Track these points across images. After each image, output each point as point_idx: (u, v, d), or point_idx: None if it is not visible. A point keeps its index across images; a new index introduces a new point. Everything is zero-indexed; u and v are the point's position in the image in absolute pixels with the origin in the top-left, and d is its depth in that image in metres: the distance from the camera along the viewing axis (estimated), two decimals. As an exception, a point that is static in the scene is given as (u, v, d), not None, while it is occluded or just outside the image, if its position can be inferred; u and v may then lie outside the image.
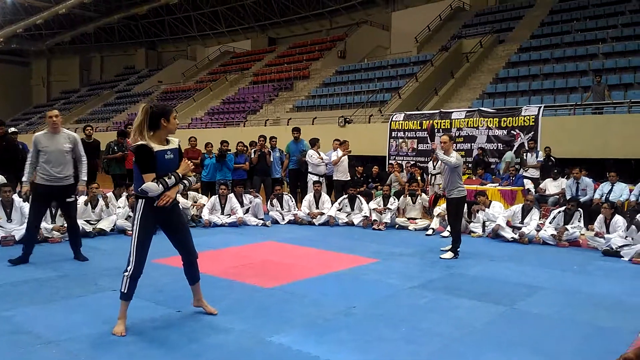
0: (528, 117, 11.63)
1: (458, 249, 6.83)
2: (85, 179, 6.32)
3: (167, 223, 4.04)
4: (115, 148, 10.02)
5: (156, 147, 3.74)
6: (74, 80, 44.13)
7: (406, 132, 13.69)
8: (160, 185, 3.71)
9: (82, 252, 6.33)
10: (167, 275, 5.52)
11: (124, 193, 8.61)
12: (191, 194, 9.76)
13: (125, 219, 8.33)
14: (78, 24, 38.68)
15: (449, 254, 6.78)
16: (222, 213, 9.33)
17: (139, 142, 3.70)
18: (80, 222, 7.79)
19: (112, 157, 9.99)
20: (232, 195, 9.49)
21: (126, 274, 3.80)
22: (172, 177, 3.76)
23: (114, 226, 8.22)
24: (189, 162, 4.01)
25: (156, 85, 36.23)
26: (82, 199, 8.17)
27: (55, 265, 6.02)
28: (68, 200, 6.14)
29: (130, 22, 40.24)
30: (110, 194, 8.76)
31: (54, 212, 7.65)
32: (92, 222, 8.10)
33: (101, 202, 8.35)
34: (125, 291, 3.79)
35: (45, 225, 7.45)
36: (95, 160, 9.86)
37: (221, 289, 5.03)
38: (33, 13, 34.65)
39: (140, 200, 3.79)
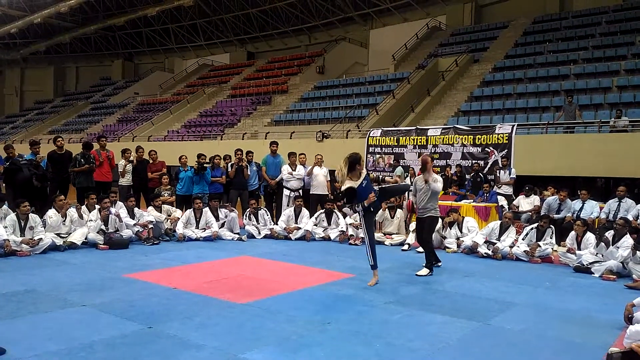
0: (502, 135, 11.83)
1: (433, 265, 6.89)
2: None
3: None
4: (82, 160, 9.68)
5: (355, 184, 5.85)
6: (48, 91, 43.40)
7: (383, 148, 13.80)
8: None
9: None
10: (139, 291, 5.41)
11: (97, 206, 8.44)
12: (165, 207, 9.64)
13: (97, 232, 8.16)
14: (53, 33, 38.19)
15: (425, 271, 6.81)
16: (197, 227, 9.23)
17: (347, 185, 5.88)
18: (50, 236, 7.65)
19: (78, 170, 9.69)
20: (207, 209, 9.40)
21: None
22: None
23: (85, 239, 8.04)
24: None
25: (132, 97, 35.88)
26: (52, 213, 8.01)
27: (23, 279, 5.86)
28: None
29: (107, 32, 39.88)
30: (83, 207, 8.60)
31: (23, 225, 7.47)
32: (62, 235, 7.91)
33: (73, 213, 8.19)
34: None
35: (15, 238, 7.27)
36: (68, 173, 9.67)
37: (194, 305, 4.96)
38: (7, 22, 34.10)
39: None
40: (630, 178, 11.39)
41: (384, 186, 6.78)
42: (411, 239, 8.93)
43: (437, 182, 6.82)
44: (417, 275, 6.72)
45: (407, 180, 11.71)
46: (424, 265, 6.88)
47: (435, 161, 12.50)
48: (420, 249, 8.30)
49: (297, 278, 6.39)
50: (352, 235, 9.28)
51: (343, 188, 6.01)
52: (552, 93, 17.21)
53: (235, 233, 9.44)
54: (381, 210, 9.59)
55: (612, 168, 12.29)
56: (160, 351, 3.73)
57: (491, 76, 20.14)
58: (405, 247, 8.78)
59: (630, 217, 8.56)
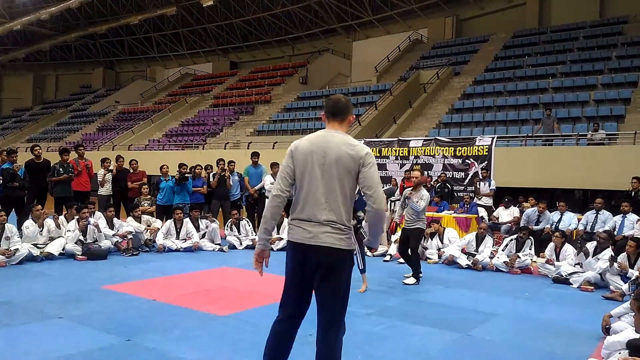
0: (482, 147, 11.98)
1: (420, 275, 6.95)
2: None
3: None
4: (61, 170, 9.47)
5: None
6: (27, 98, 42.74)
7: (365, 159, 13.85)
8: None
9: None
10: (117, 303, 5.33)
11: (75, 216, 8.30)
12: (145, 217, 9.53)
13: (76, 242, 8.02)
14: (33, 40, 37.70)
15: (412, 280, 6.88)
16: (178, 238, 9.13)
17: None
18: (27, 246, 7.50)
19: (57, 180, 9.43)
20: (188, 219, 9.32)
21: None
22: None
23: (62, 250, 7.90)
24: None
25: (113, 106, 35.53)
26: (29, 223, 7.87)
27: (-3, 290, 5.73)
28: None
29: (88, 40, 39.53)
30: (61, 218, 8.46)
31: (-2, 234, 7.31)
32: (39, 245, 7.76)
33: (50, 223, 8.04)
34: None
35: (-11, 248, 7.11)
36: (45, 182, 9.49)
37: (174, 317, 4.90)
38: (-15, 28, 33.64)
39: None
40: (608, 190, 11.59)
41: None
42: (393, 250, 8.96)
43: (421, 201, 6.91)
44: (404, 283, 6.84)
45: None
46: (412, 274, 6.94)
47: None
48: (402, 260, 8.35)
49: (279, 289, 6.31)
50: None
51: None
52: (531, 106, 17.51)
53: (216, 244, 9.36)
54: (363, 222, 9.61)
55: (590, 180, 12.52)
56: (139, 364, 3.68)
57: (472, 89, 20.42)
58: (387, 258, 8.81)
59: (607, 228, 8.70)
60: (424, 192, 7.03)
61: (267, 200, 10.79)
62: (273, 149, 18.82)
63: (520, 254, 8.01)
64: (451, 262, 8.36)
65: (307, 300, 2.98)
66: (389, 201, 10.95)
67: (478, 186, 11.38)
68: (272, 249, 9.05)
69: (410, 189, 7.15)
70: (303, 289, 2.95)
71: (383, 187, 11.32)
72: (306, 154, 2.90)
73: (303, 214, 2.87)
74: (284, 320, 2.99)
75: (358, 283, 6.19)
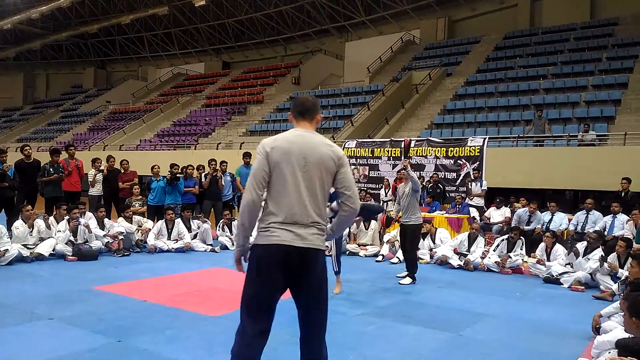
0: (473, 148, 12.03)
1: (415, 274, 6.96)
2: None
3: None
4: (51, 170, 9.38)
5: None
6: (17, 98, 42.42)
7: (358, 159, 13.87)
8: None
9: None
10: (108, 303, 5.29)
11: (66, 216, 8.25)
12: (136, 218, 9.48)
13: (66, 243, 7.97)
14: (24, 40, 37.41)
15: (408, 280, 6.89)
16: (169, 238, 9.09)
17: None
18: (17, 247, 7.44)
19: (47, 180, 9.33)
20: (179, 220, 9.28)
21: None
22: None
23: (52, 250, 7.84)
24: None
25: (104, 105, 35.35)
26: (19, 223, 7.80)
27: (-14, 292, 5.68)
28: None
29: (79, 40, 39.31)
30: (51, 218, 8.40)
31: (-12, 235, 7.25)
32: (29, 246, 7.70)
33: (40, 223, 7.98)
34: None
35: (-22, 249, 7.04)
36: (36, 182, 9.41)
37: (165, 317, 4.87)
38: (-25, 27, 33.34)
39: None
40: (598, 191, 11.69)
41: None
42: (385, 250, 8.97)
43: (410, 183, 6.87)
44: (400, 283, 6.85)
45: (382, 192, 11.87)
46: (407, 274, 6.94)
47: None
48: (394, 260, 8.37)
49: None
50: (327, 246, 9.25)
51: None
52: (523, 107, 17.60)
53: (208, 244, 9.34)
54: (355, 223, 9.63)
55: (580, 181, 12.61)
56: (129, 365, 3.66)
57: (463, 90, 20.50)
58: (380, 258, 8.82)
59: (597, 229, 8.77)
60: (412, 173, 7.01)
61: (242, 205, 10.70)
62: (265, 149, 18.78)
63: (511, 254, 8.04)
64: (443, 263, 8.38)
65: (274, 312, 2.85)
66: (381, 201, 10.99)
67: (470, 187, 11.43)
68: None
69: (402, 184, 7.17)
70: (276, 298, 2.79)
71: (377, 188, 11.25)
72: (285, 155, 2.75)
73: (286, 216, 2.72)
74: (255, 338, 2.75)
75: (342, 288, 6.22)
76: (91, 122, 32.47)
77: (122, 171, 10.67)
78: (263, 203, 2.78)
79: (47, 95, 43.08)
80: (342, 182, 2.85)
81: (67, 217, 8.19)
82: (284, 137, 2.85)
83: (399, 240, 8.07)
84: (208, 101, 29.96)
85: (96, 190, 10.50)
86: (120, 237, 8.62)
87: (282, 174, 2.73)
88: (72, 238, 8.04)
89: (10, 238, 7.56)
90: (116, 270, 7.20)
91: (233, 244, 9.51)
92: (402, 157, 10.41)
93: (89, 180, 10.48)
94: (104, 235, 8.50)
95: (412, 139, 12.90)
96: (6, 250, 7.22)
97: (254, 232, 2.88)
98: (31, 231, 7.84)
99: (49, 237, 7.94)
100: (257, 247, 2.79)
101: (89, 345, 4.03)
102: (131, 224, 9.17)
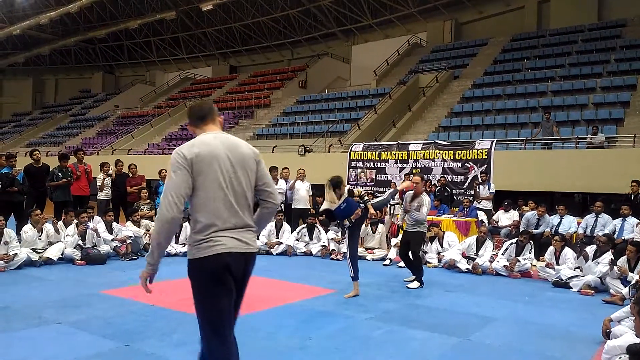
0: (481, 151, 11.99)
1: (422, 277, 6.95)
2: None
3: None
4: (60, 174, 9.45)
5: (332, 206, 6.15)
6: (26, 103, 42.77)
7: (365, 163, 13.86)
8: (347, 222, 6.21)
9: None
10: (115, 308, 5.31)
11: (74, 221, 8.29)
12: (144, 222, 9.51)
13: (74, 247, 8.01)
14: (32, 45, 37.74)
15: (415, 284, 6.87)
16: (177, 242, 9.12)
17: (324, 207, 6.27)
18: (26, 251, 7.48)
19: (56, 185, 9.40)
20: (187, 224, 9.28)
21: None
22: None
23: (61, 255, 7.88)
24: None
25: (112, 110, 35.55)
26: (28, 227, 7.85)
27: (-4, 296, 5.71)
28: None
29: (87, 45, 39.60)
30: (60, 222, 8.44)
31: (-3, 239, 7.29)
32: (38, 250, 7.74)
33: (49, 228, 8.02)
34: None
35: (-13, 253, 7.09)
36: (44, 187, 9.47)
37: (173, 321, 4.88)
38: (-15, 33, 33.68)
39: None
40: (607, 193, 11.58)
41: (371, 202, 6.76)
42: (392, 254, 8.94)
43: (422, 207, 6.90)
44: (408, 287, 6.83)
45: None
46: (415, 278, 6.92)
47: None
48: (402, 264, 8.33)
49: (277, 294, 6.34)
50: (333, 250, 9.25)
51: (321, 209, 6.42)
52: (530, 109, 17.51)
53: (215, 248, 9.32)
54: (363, 225, 9.61)
55: (589, 184, 12.49)
56: (137, 370, 3.66)
57: (471, 92, 20.42)
58: (387, 262, 8.79)
59: (607, 232, 8.69)
60: (425, 197, 7.00)
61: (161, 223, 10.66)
62: (272, 153, 18.82)
63: (520, 258, 7.99)
64: (451, 266, 8.34)
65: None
66: (389, 205, 10.93)
67: (477, 190, 11.37)
68: (271, 254, 9.14)
69: (411, 194, 7.12)
70: (232, 304, 2.74)
71: (383, 191, 11.22)
72: (211, 160, 2.61)
73: (225, 222, 2.62)
74: (229, 348, 2.72)
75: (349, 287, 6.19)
76: (99, 127, 32.66)
77: (130, 175, 10.71)
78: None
79: (56, 100, 43.39)
80: (263, 179, 2.82)
81: (76, 221, 8.23)
82: (203, 142, 2.69)
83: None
84: (215, 105, 29.85)
85: (104, 194, 10.56)
86: (129, 241, 8.66)
87: (209, 181, 2.61)
88: (80, 242, 8.09)
89: (20, 242, 7.60)
90: (124, 275, 7.22)
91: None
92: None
93: (98, 184, 10.53)
94: (112, 240, 8.54)
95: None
96: (15, 254, 7.28)
97: (186, 247, 2.83)
98: (40, 235, 7.88)
99: (57, 242, 7.99)
100: (205, 260, 2.65)
101: (97, 349, 4.04)
102: (139, 228, 9.21)
